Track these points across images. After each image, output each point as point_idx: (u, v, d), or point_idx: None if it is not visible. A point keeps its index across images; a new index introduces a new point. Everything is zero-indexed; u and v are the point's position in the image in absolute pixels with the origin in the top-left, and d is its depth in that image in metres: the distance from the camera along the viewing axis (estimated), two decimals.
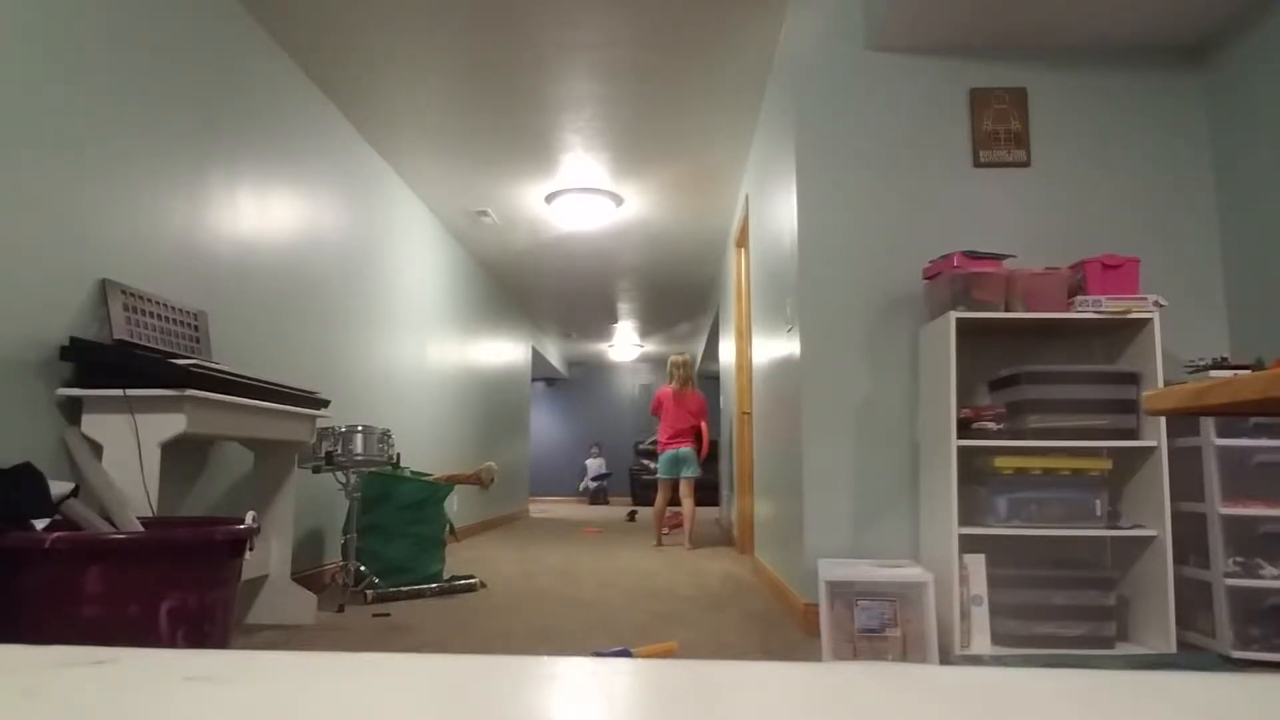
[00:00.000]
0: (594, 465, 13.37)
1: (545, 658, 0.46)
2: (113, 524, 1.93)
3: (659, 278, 7.66)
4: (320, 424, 3.60)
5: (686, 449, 6.01)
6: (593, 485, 13.18)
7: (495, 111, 4.12)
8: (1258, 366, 2.52)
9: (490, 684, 0.41)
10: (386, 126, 4.28)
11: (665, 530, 6.68)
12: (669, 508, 6.24)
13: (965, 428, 2.59)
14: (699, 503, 7.48)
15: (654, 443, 6.18)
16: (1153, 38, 2.98)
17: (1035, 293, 2.60)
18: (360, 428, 3.36)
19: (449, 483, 4.02)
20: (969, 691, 0.41)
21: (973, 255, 2.67)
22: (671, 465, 6.03)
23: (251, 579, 2.86)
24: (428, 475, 4.09)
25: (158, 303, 2.54)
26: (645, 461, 12.41)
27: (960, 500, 2.57)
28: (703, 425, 6.17)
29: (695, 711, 0.37)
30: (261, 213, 3.32)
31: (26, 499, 1.77)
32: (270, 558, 2.89)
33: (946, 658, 2.45)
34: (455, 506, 5.94)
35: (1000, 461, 2.54)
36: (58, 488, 1.86)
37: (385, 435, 3.48)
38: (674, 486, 6.10)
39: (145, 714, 0.36)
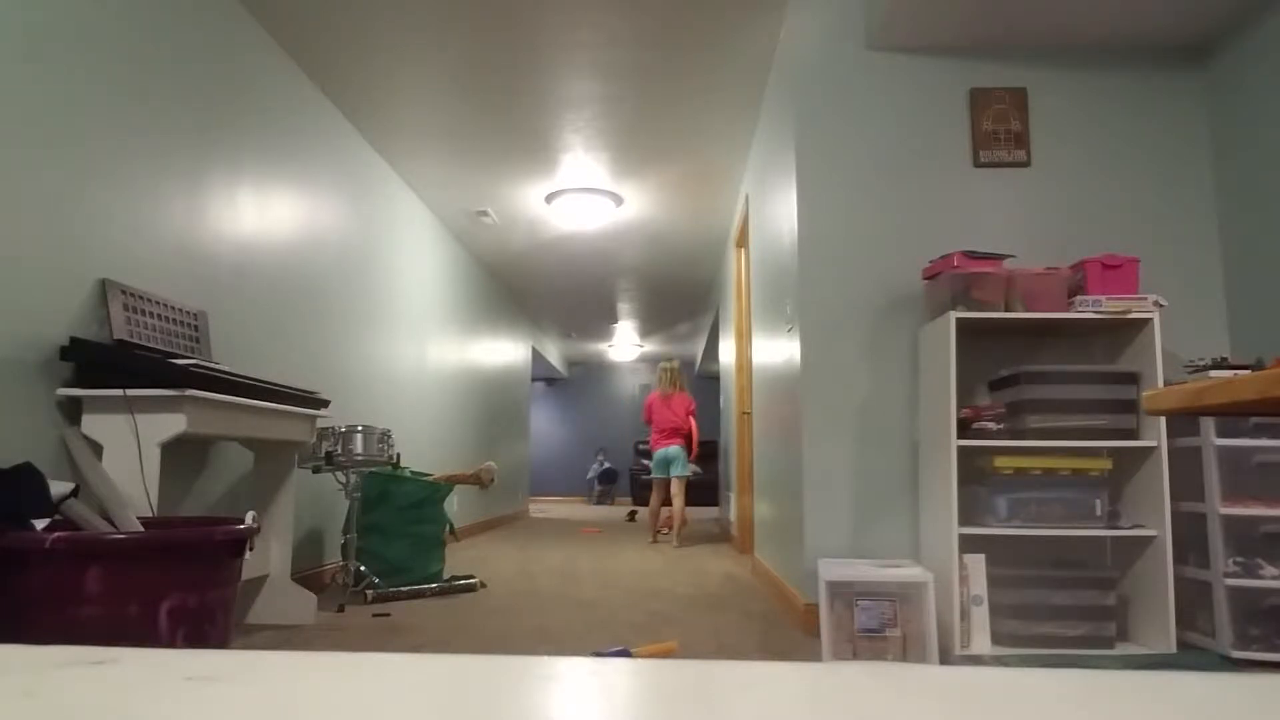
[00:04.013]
0: (596, 469, 13.51)
1: (545, 658, 0.46)
2: (113, 524, 1.93)
3: (659, 278, 7.66)
4: (320, 424, 3.60)
5: (675, 448, 6.22)
6: (599, 488, 13.38)
7: (495, 111, 4.12)
8: (1258, 366, 2.52)
9: (490, 684, 0.41)
10: (387, 126, 4.28)
11: (664, 530, 6.78)
12: (664, 507, 6.47)
13: (965, 428, 2.59)
14: (695, 502, 7.74)
15: (647, 443, 6.48)
16: (1153, 38, 2.98)
17: (1035, 293, 2.60)
18: (360, 428, 3.36)
19: (449, 483, 4.02)
20: (969, 691, 0.41)
21: (973, 255, 2.67)
22: (662, 465, 6.27)
23: (251, 579, 2.86)
24: (428, 475, 4.10)
25: (158, 303, 2.54)
26: (645, 461, 12.50)
27: (960, 500, 2.57)
28: (691, 424, 6.38)
29: (695, 711, 0.37)
30: (261, 213, 3.32)
31: (26, 499, 1.77)
32: (270, 558, 2.89)
33: (946, 658, 2.45)
34: (455, 506, 5.94)
35: (1000, 461, 2.54)
36: (58, 488, 1.86)
37: (385, 435, 3.48)
38: (667, 485, 6.31)
39: (145, 714, 0.36)
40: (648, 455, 12.96)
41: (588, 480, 13.51)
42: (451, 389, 6.21)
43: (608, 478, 13.43)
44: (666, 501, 6.33)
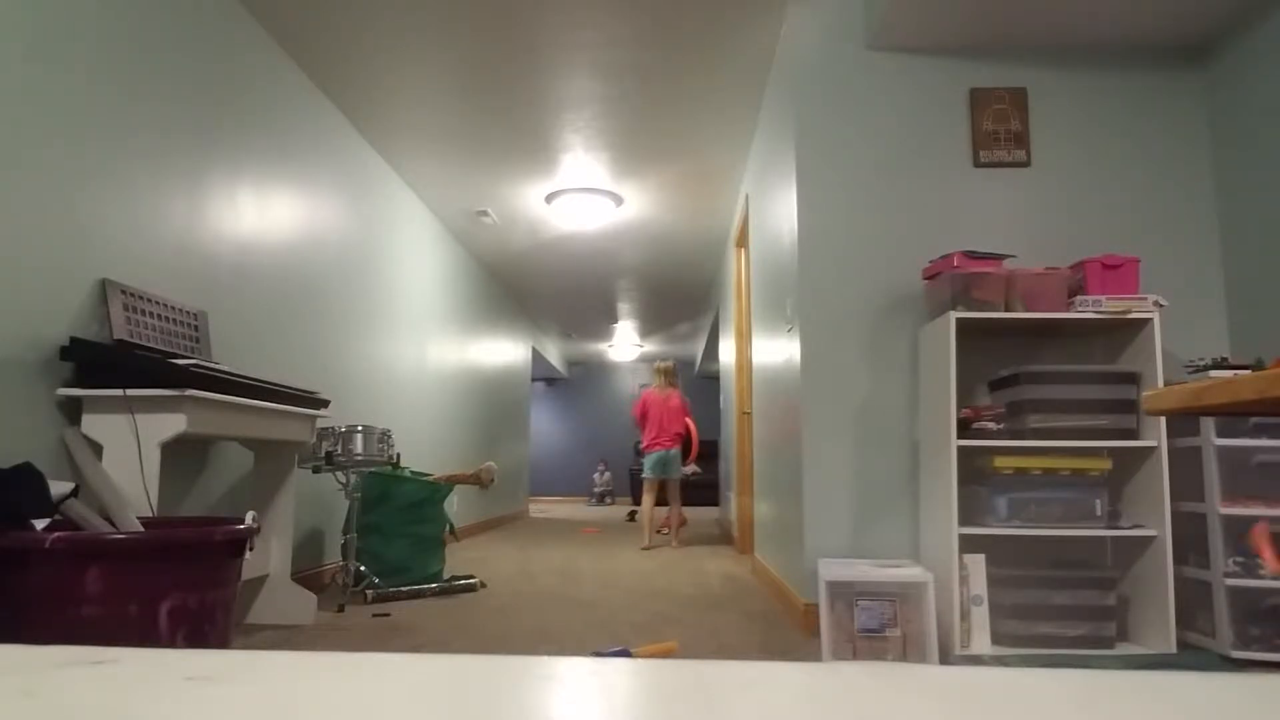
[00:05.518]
0: (600, 480, 13.52)
1: (545, 658, 0.46)
2: (113, 524, 1.93)
3: (659, 278, 7.66)
4: (320, 424, 3.60)
5: (674, 450, 6.10)
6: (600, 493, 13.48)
7: (495, 111, 4.12)
8: (1258, 366, 2.52)
9: (490, 684, 0.41)
10: (386, 126, 4.28)
11: (663, 530, 6.76)
12: (659, 508, 6.33)
13: (965, 428, 2.59)
14: (695, 502, 7.65)
15: (638, 443, 6.33)
16: (1153, 38, 2.98)
17: (1035, 293, 2.60)
18: (360, 428, 3.36)
19: (449, 483, 4.02)
20: (969, 691, 0.41)
21: (973, 255, 2.67)
22: (660, 466, 6.10)
23: (251, 579, 2.86)
24: (428, 475, 4.10)
25: (158, 303, 2.54)
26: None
27: (960, 500, 2.57)
28: (689, 422, 6.31)
29: (695, 711, 0.37)
30: (261, 213, 3.32)
31: (26, 499, 1.77)
32: (270, 558, 2.89)
33: (946, 658, 2.45)
34: (455, 506, 5.93)
35: (1000, 461, 2.54)
36: (58, 488, 1.86)
37: (385, 435, 3.48)
38: (661, 485, 6.17)
39: (145, 714, 0.36)
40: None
41: (595, 493, 13.53)
42: (451, 389, 6.21)
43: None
44: (659, 502, 6.20)
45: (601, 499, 13.42)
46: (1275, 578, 2.38)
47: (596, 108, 4.08)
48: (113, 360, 2.17)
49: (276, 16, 3.25)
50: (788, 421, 3.26)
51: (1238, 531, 2.45)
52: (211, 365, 2.30)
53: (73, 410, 2.21)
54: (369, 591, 3.41)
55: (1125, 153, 3.00)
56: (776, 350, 3.62)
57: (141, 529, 1.93)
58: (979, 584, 2.54)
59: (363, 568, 3.50)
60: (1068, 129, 3.01)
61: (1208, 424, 2.47)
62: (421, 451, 5.39)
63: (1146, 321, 2.60)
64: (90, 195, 2.33)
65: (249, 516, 1.99)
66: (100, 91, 2.38)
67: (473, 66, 3.67)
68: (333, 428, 3.33)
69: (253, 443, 3.00)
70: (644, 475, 6.19)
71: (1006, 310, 2.59)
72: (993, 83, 3.03)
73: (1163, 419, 2.53)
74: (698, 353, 11.53)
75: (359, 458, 3.34)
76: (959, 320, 2.58)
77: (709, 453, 10.89)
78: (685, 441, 6.28)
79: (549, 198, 5.39)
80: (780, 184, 3.44)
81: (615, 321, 10.02)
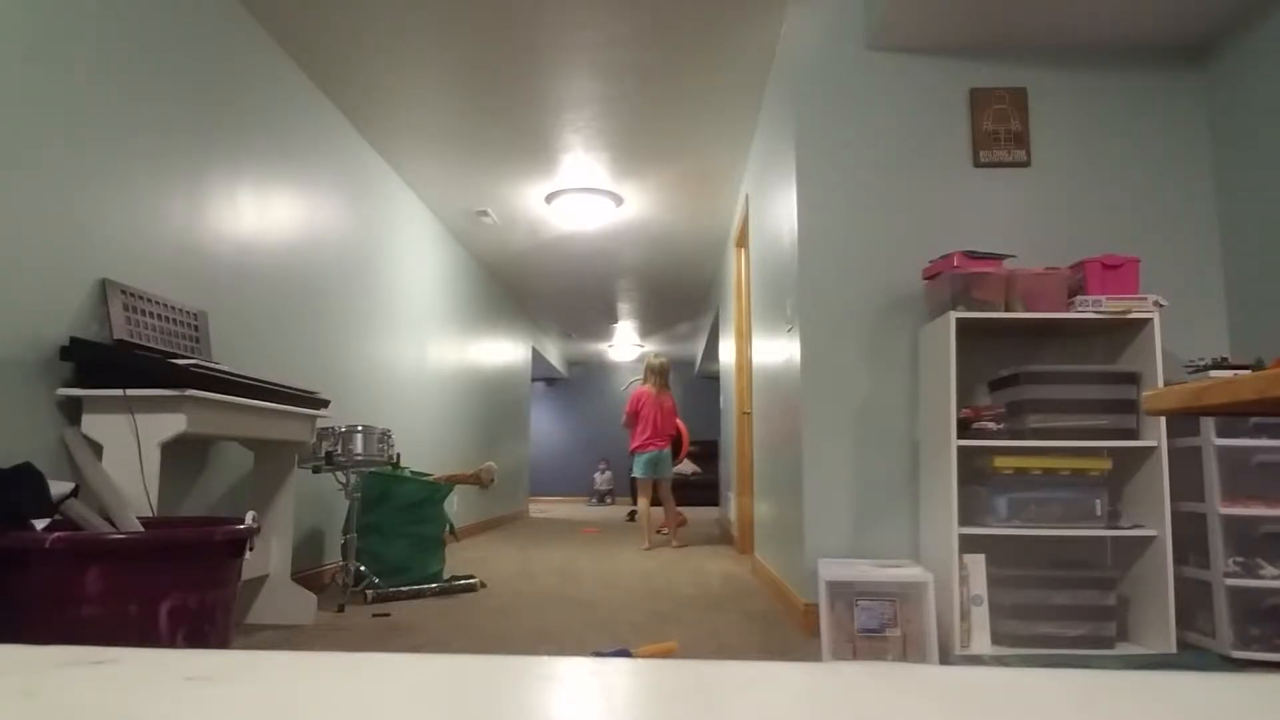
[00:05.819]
0: (601, 479, 13.50)
1: (545, 658, 0.46)
2: (113, 524, 1.93)
3: (659, 278, 7.66)
4: (320, 424, 3.60)
5: (666, 450, 6.08)
6: (600, 492, 13.50)
7: (495, 111, 4.12)
8: (1258, 366, 2.52)
9: (490, 684, 0.41)
10: (386, 126, 4.28)
11: (663, 530, 6.74)
12: (655, 508, 6.28)
13: (965, 428, 2.59)
14: (695, 502, 7.59)
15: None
16: (1153, 38, 2.98)
17: (1035, 293, 2.60)
18: (360, 428, 3.36)
19: (449, 483, 4.02)
20: (969, 691, 0.41)
21: (973, 255, 2.67)
22: (652, 466, 6.03)
23: (251, 579, 2.86)
24: (428, 475, 4.09)
25: (158, 303, 2.54)
26: None
27: (960, 500, 2.57)
28: (680, 424, 6.36)
29: (695, 711, 0.37)
30: (261, 213, 3.32)
31: (26, 499, 1.77)
32: (270, 558, 2.89)
33: (946, 658, 2.45)
34: (455, 506, 5.93)
35: (1000, 461, 2.54)
36: (58, 488, 1.86)
37: (385, 435, 3.48)
38: (654, 485, 6.12)
39: (145, 714, 0.36)
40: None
41: (596, 491, 13.52)
42: (451, 389, 6.20)
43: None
44: (654, 502, 6.16)
45: (602, 498, 13.44)
46: (1275, 578, 2.38)
47: (596, 108, 4.08)
48: (113, 360, 2.17)
49: (276, 16, 3.25)
50: (788, 421, 3.26)
51: (1238, 531, 2.45)
52: (211, 365, 2.30)
53: (73, 410, 2.21)
54: (369, 591, 3.41)
55: (1125, 153, 3.00)
56: (776, 350, 3.62)
57: (141, 529, 1.93)
58: (979, 584, 2.54)
59: (363, 568, 3.50)
60: (1068, 129, 3.01)
61: (1208, 424, 2.47)
62: (421, 451, 5.39)
63: (1146, 321, 2.60)
64: (90, 195, 2.33)
65: (249, 516, 1.99)
66: (100, 91, 2.38)
67: (473, 66, 3.67)
68: (333, 428, 3.33)
69: (253, 443, 3.00)
70: (636, 476, 6.14)
71: (1006, 310, 2.59)
72: (993, 83, 3.03)
73: (1163, 419, 2.53)
74: (698, 353, 11.52)
75: (359, 458, 3.34)
76: (959, 320, 2.58)
77: (709, 453, 10.89)
78: (674, 441, 6.27)
79: (549, 198, 5.39)
80: (780, 184, 3.43)
81: (615, 321, 10.02)
